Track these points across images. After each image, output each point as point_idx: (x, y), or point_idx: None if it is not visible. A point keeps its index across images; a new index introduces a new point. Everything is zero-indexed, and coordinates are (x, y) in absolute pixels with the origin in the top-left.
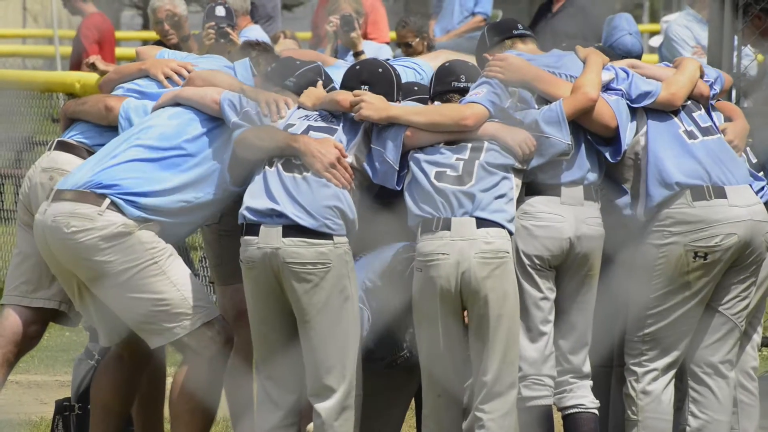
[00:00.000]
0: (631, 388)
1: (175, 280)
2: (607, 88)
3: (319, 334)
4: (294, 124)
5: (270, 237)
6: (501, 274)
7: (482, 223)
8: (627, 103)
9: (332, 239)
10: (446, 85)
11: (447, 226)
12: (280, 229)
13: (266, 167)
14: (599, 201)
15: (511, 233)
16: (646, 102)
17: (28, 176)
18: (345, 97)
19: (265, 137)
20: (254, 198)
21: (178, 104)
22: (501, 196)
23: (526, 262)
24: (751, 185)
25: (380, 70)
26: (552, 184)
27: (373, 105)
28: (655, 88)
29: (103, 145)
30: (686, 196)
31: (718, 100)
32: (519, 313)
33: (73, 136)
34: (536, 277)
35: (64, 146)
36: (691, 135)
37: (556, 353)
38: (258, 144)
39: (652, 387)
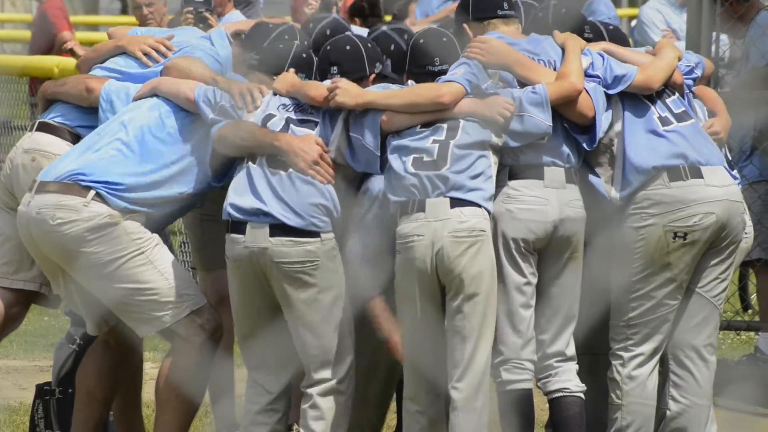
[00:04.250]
0: (616, 373)
1: (162, 269)
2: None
3: (310, 329)
4: (274, 115)
5: (257, 236)
6: (476, 253)
7: (457, 202)
8: (603, 90)
9: (319, 236)
10: (420, 68)
11: (422, 207)
12: (266, 228)
13: (249, 163)
14: (578, 184)
15: (489, 212)
16: (621, 87)
17: (10, 158)
18: (319, 93)
19: (245, 136)
20: (239, 195)
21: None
22: (477, 176)
23: (512, 245)
24: (727, 169)
25: (348, 47)
26: (534, 167)
27: (348, 92)
28: (629, 71)
29: (84, 126)
30: (663, 177)
31: (697, 86)
32: (496, 292)
33: (54, 118)
34: (520, 261)
35: (45, 127)
36: (665, 121)
37: (539, 337)
38: (238, 143)
39: (637, 372)
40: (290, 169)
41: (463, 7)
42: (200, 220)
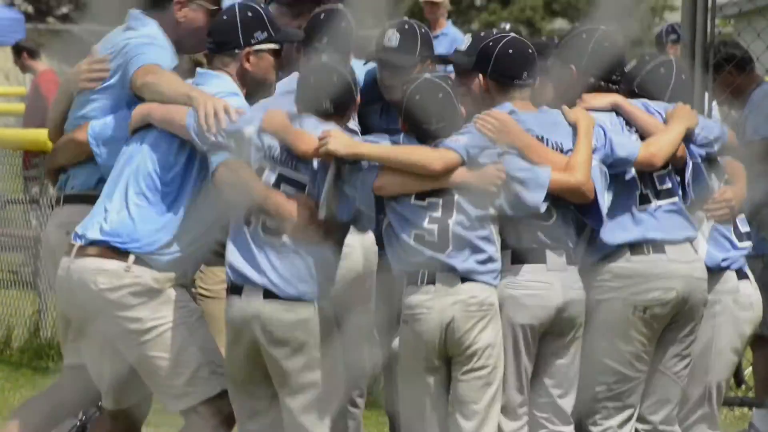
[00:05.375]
0: None
1: (201, 345)
2: None
3: (299, 399)
4: (264, 169)
5: (251, 300)
6: (485, 326)
7: (467, 278)
8: (604, 169)
9: (313, 304)
10: (418, 128)
11: (432, 280)
12: (261, 292)
13: (245, 227)
14: (578, 263)
15: (495, 286)
16: (623, 169)
17: (43, 240)
18: (307, 147)
19: (241, 193)
20: (236, 258)
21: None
22: (485, 260)
23: (518, 331)
24: (691, 242)
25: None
26: (536, 250)
27: (339, 140)
28: (630, 152)
29: (102, 182)
30: (625, 252)
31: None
32: (503, 364)
33: (74, 187)
34: (522, 348)
35: (72, 199)
36: (644, 199)
37: (540, 419)
38: (235, 198)
39: None
40: (284, 237)
41: (484, 58)
42: (195, 299)
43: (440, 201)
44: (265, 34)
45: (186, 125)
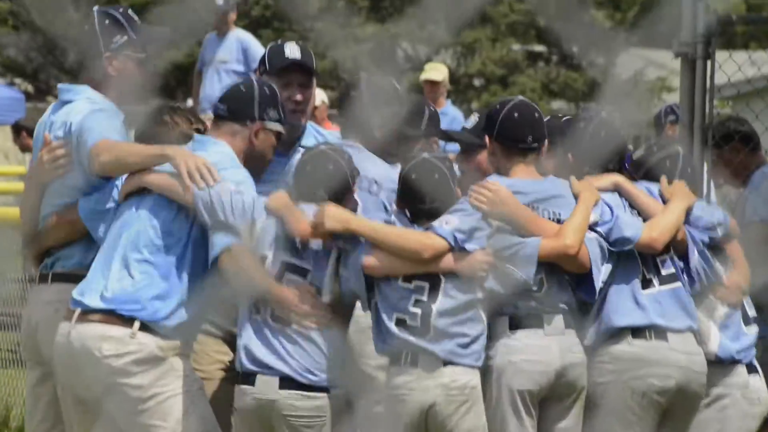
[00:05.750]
0: None
1: (201, 414)
2: (589, 227)
3: None
4: (267, 257)
5: (267, 388)
6: (468, 410)
7: (449, 362)
8: (604, 244)
9: (328, 392)
10: (413, 206)
11: (415, 362)
12: (276, 380)
13: (254, 315)
14: (576, 327)
15: (480, 366)
16: (624, 248)
17: (26, 317)
18: (303, 231)
19: (244, 283)
20: (253, 342)
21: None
22: (468, 344)
23: (516, 397)
24: (694, 333)
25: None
26: (534, 316)
27: (333, 217)
28: (634, 232)
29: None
30: (627, 335)
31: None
32: None
33: (64, 265)
34: (524, 414)
35: (61, 277)
36: (647, 284)
37: None
38: (238, 286)
39: None
40: (293, 325)
41: (491, 122)
42: None
43: (427, 285)
44: (276, 114)
45: (193, 194)
